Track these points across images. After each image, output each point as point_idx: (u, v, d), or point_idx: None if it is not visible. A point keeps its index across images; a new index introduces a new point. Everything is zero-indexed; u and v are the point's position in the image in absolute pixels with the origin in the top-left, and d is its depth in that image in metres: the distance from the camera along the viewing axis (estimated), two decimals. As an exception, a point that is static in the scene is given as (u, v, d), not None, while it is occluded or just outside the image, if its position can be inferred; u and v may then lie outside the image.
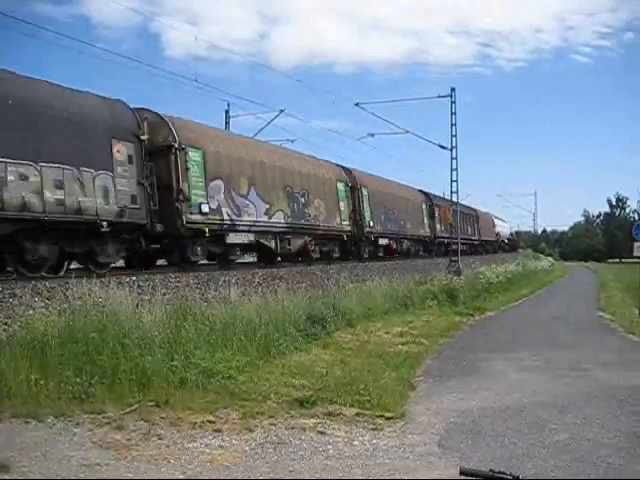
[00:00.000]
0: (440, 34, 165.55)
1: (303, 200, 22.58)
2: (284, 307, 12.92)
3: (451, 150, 31.79)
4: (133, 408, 7.45)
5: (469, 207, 49.53)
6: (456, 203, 33.58)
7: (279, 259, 21.93)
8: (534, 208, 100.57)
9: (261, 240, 19.63)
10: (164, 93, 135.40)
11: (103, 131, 14.11)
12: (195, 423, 7.16)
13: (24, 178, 11.97)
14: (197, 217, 16.45)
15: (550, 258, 76.51)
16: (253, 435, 6.96)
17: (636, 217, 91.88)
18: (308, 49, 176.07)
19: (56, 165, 12.63)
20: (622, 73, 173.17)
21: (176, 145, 16.04)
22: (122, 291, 10.82)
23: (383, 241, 30.69)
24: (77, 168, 13.10)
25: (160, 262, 17.69)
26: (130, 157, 14.68)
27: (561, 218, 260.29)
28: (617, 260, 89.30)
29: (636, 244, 20.31)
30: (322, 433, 7.09)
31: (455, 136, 31.78)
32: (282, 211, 20.84)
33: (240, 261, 20.24)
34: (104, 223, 13.57)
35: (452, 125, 31.73)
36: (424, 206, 37.54)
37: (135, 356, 8.54)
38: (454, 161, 31.88)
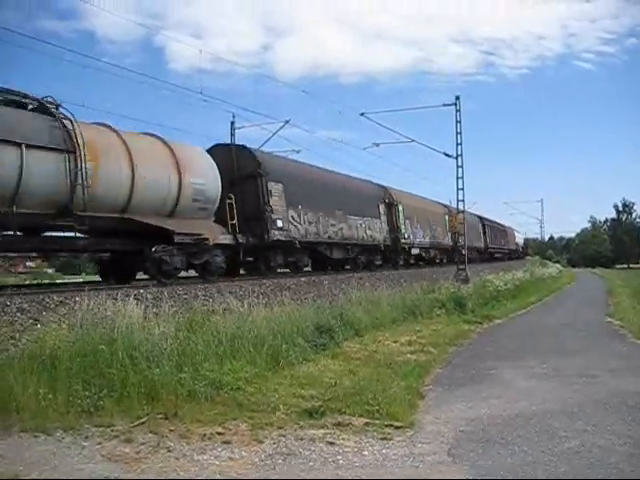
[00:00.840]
0: (443, 43, 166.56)
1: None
2: (292, 318, 12.91)
3: (456, 158, 31.85)
4: (142, 421, 7.44)
5: (499, 223, 62.76)
6: (463, 211, 33.60)
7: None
8: (541, 215, 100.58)
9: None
10: (169, 106, 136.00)
11: (375, 199, 30.93)
12: (204, 435, 7.15)
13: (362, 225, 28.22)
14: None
15: (558, 265, 76.37)
16: (262, 446, 6.94)
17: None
18: (312, 60, 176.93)
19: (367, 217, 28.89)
20: (625, 79, 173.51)
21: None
22: (131, 304, 10.83)
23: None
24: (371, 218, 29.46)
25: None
26: (384, 211, 31.39)
27: (568, 225, 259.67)
28: (625, 266, 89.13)
29: (644, 249, 20.22)
30: (331, 443, 7.07)
31: (460, 144, 31.89)
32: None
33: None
34: (382, 246, 30.42)
35: (457, 133, 31.84)
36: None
37: (144, 369, 8.53)
38: (460, 169, 31.93)
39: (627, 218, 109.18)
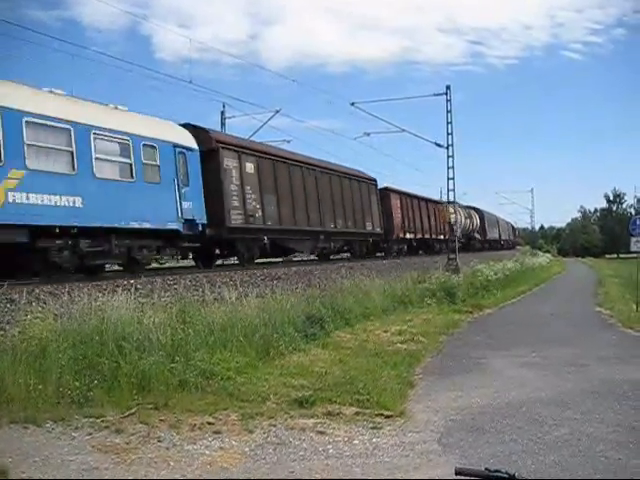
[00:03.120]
0: (431, 32, 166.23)
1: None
2: (283, 307, 12.90)
3: (447, 148, 31.80)
4: (132, 411, 7.43)
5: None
6: (453, 202, 33.64)
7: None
8: (531, 205, 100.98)
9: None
10: (157, 95, 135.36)
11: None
12: (194, 425, 7.15)
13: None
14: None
15: (548, 254, 76.54)
16: (253, 436, 6.95)
17: (633, 212, 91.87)
18: (300, 49, 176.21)
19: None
20: (613, 69, 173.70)
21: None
22: (120, 295, 10.80)
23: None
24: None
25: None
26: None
27: (558, 214, 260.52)
28: (615, 256, 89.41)
29: (633, 239, 20.27)
30: (322, 433, 7.09)
31: (451, 134, 31.82)
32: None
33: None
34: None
35: (448, 123, 31.76)
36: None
37: (134, 359, 8.52)
38: (450, 159, 31.90)
39: (618, 208, 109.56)
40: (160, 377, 8.37)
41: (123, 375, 8.17)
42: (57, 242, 13.66)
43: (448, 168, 31.96)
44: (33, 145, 13.13)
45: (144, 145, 16.26)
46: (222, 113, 34.36)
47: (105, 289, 11.16)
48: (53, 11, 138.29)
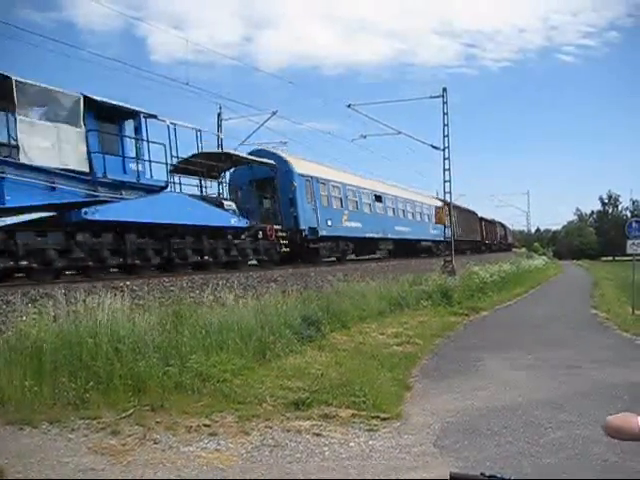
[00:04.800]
0: (425, 35, 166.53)
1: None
2: (279, 309, 12.90)
3: (443, 150, 31.82)
4: (128, 413, 7.43)
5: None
6: (449, 203, 33.68)
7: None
8: (527, 207, 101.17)
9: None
10: (152, 98, 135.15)
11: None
12: (191, 427, 7.15)
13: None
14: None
15: (544, 257, 76.67)
16: (249, 438, 6.95)
17: (629, 215, 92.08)
18: (294, 52, 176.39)
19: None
20: (607, 72, 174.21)
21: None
22: (116, 296, 10.78)
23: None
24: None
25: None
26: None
27: (554, 217, 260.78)
28: (611, 258, 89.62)
29: (629, 242, 20.32)
30: (318, 435, 7.10)
31: (447, 136, 31.83)
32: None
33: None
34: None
35: (444, 125, 31.78)
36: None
37: (130, 361, 8.51)
38: (447, 161, 31.92)
39: (613, 210, 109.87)
40: (156, 379, 8.36)
41: (119, 377, 8.16)
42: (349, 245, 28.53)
43: (444, 170, 32.01)
44: (348, 198, 28.56)
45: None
46: (219, 115, 34.36)
47: (100, 290, 11.13)
48: (47, 13, 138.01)
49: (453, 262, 31.37)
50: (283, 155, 24.93)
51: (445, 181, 32.19)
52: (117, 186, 15.41)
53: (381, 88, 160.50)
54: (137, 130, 16.34)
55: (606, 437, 2.02)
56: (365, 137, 36.01)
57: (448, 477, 2.17)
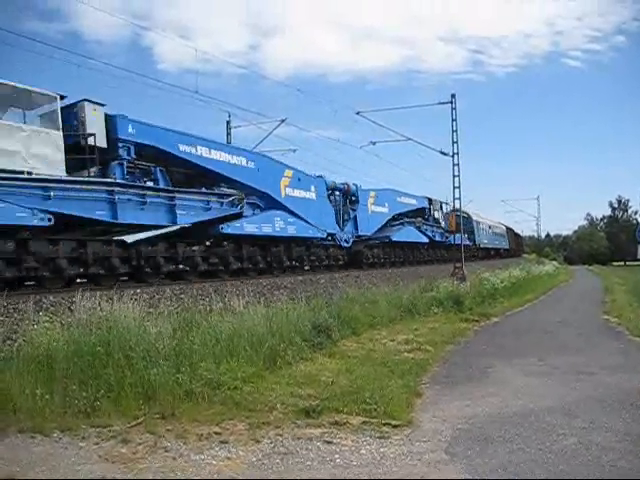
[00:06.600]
0: (432, 42, 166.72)
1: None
2: (289, 316, 12.89)
3: (453, 156, 31.85)
4: (139, 421, 7.44)
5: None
6: (457, 210, 33.63)
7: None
8: (537, 212, 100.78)
9: None
10: (160, 106, 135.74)
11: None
12: (201, 435, 7.15)
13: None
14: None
15: (555, 262, 76.38)
16: (260, 446, 6.94)
17: (638, 219, 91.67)
18: (301, 59, 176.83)
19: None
20: (614, 76, 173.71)
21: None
22: (127, 304, 10.82)
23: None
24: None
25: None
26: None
27: (565, 222, 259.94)
28: (622, 263, 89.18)
29: (640, 247, 20.20)
30: (329, 442, 7.07)
31: (456, 142, 31.84)
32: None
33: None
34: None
35: (453, 131, 31.81)
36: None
37: (140, 369, 8.53)
38: (456, 167, 31.90)
39: (623, 215, 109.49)
40: (166, 387, 8.36)
41: (129, 385, 8.18)
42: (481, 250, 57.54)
43: (454, 177, 31.98)
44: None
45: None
46: (228, 123, 34.54)
47: (112, 298, 11.17)
48: (52, 23, 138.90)
49: (464, 268, 31.31)
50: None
51: (454, 187, 32.18)
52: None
53: (388, 95, 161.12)
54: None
55: (620, 444, 2.00)
56: (375, 144, 36.17)
57: None
